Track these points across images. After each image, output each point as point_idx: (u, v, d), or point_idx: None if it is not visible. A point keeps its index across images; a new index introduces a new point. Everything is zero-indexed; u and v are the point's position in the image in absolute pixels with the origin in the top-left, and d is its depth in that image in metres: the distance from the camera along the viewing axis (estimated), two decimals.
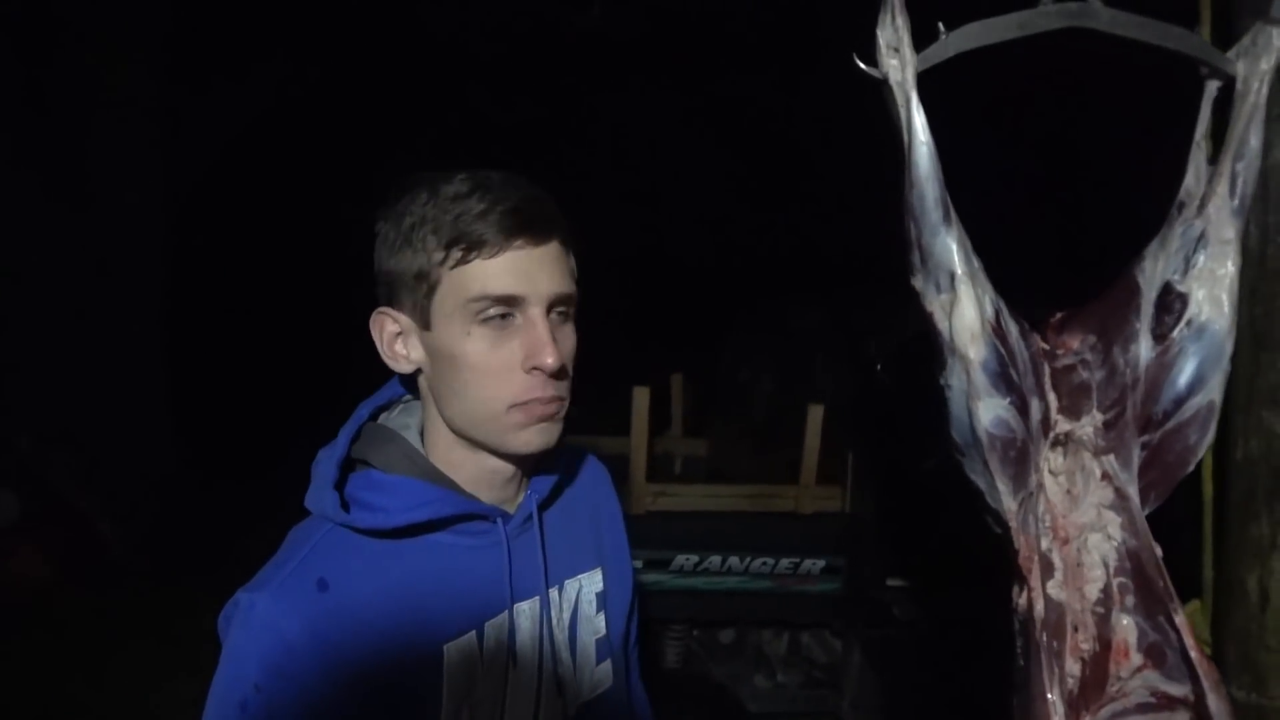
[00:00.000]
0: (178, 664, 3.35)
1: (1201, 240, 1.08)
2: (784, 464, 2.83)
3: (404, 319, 0.99)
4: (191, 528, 4.66)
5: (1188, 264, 1.09)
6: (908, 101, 1.02)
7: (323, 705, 0.92)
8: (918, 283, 1.05)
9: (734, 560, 2.75)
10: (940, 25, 1.03)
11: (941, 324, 1.04)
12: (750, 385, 3.44)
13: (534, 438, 0.98)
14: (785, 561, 2.76)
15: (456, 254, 0.93)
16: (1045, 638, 1.04)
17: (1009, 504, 1.06)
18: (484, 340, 0.95)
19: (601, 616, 1.13)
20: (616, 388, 2.74)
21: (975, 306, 1.02)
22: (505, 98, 5.55)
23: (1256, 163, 1.07)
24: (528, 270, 0.95)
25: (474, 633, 0.99)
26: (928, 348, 1.11)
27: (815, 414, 2.71)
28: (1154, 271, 1.11)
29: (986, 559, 1.17)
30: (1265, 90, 1.06)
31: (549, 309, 0.96)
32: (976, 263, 1.03)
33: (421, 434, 1.06)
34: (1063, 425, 1.09)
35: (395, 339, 1.00)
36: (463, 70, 5.38)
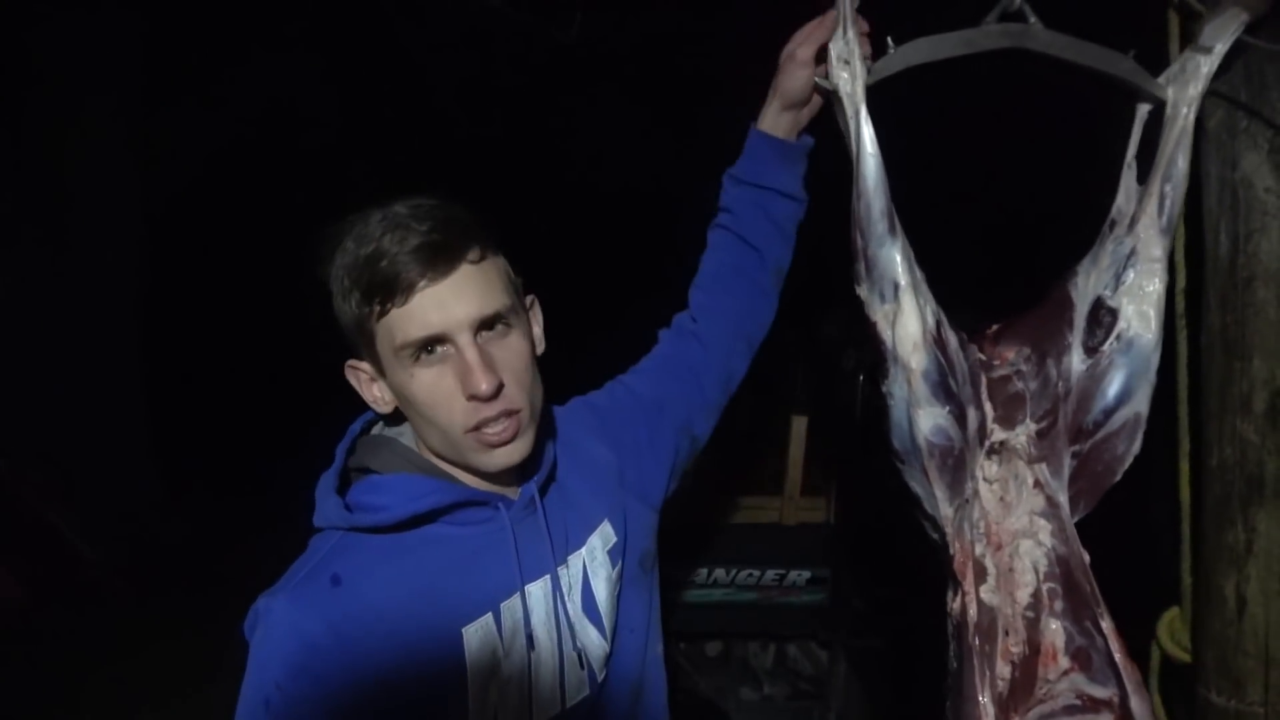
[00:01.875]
0: (157, 685, 3.31)
1: (1131, 257, 1.12)
2: (768, 475, 2.84)
3: (368, 367, 1.05)
4: (170, 547, 4.61)
5: (1118, 280, 1.12)
6: (857, 113, 1.05)
7: (348, 699, 0.95)
8: (862, 292, 1.08)
9: (719, 572, 2.75)
10: (889, 40, 1.05)
11: (884, 333, 1.06)
12: (733, 396, 3.44)
13: (500, 459, 1.02)
14: (771, 573, 2.76)
15: (375, 307, 0.98)
16: (977, 641, 1.07)
17: (945, 510, 1.09)
18: (425, 378, 0.99)
19: (618, 566, 1.17)
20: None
21: (918, 317, 1.05)
22: (483, 113, 5.56)
23: (1184, 184, 1.11)
24: (442, 304, 0.97)
25: (490, 615, 1.03)
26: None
27: (799, 425, 2.72)
28: (1086, 286, 1.14)
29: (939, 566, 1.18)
30: (1194, 115, 1.10)
31: (476, 332, 0.99)
32: (919, 273, 1.06)
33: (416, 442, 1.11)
34: (998, 434, 1.12)
35: (370, 385, 1.06)
36: (441, 86, 5.39)
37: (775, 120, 1.28)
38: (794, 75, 1.20)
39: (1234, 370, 1.20)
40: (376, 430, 1.13)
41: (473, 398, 0.98)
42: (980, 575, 1.09)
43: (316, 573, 0.99)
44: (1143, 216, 1.11)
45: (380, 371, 1.03)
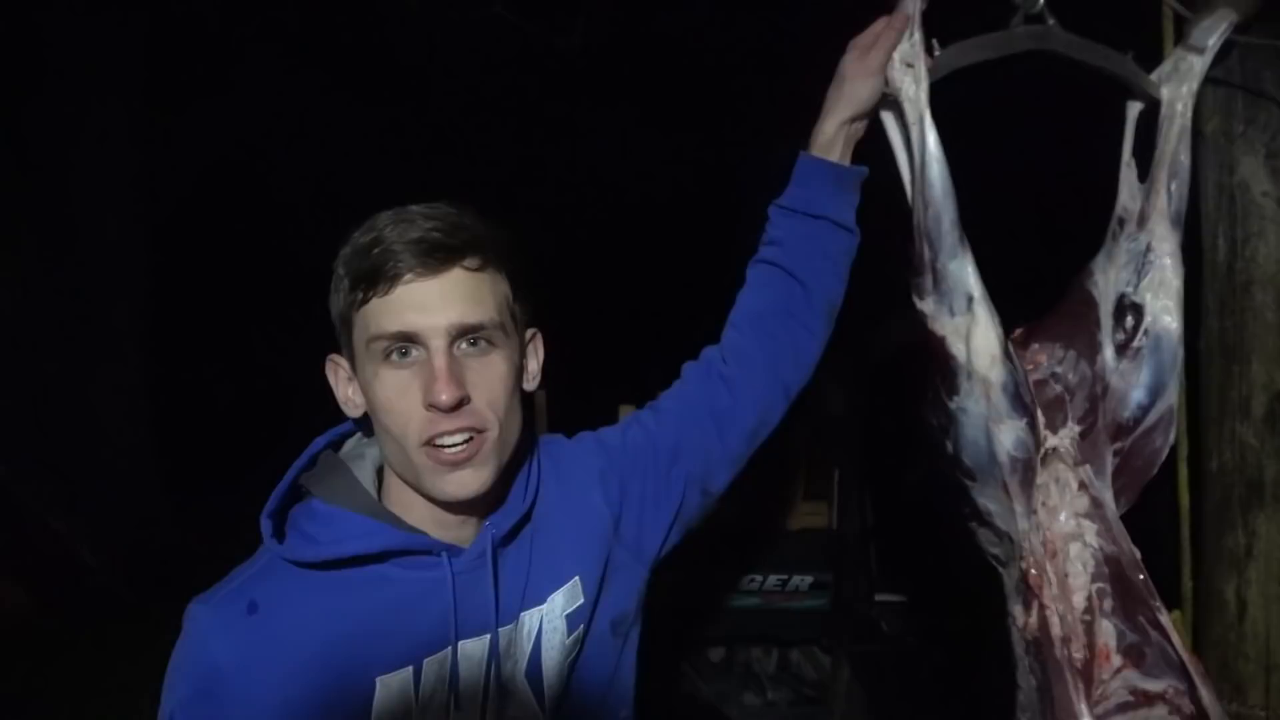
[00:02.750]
0: (159, 689, 3.31)
1: (1149, 253, 1.12)
2: (771, 480, 2.84)
3: (345, 364, 1.00)
4: (173, 553, 4.62)
5: (1139, 276, 1.12)
6: (920, 119, 1.03)
7: None
8: (928, 306, 1.04)
9: (722, 577, 2.75)
10: (934, 43, 1.04)
11: (956, 348, 1.03)
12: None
13: (453, 486, 0.94)
14: (773, 578, 2.76)
15: (358, 294, 0.92)
16: (1067, 653, 1.04)
17: (1022, 525, 1.06)
18: (389, 380, 0.93)
19: (577, 632, 1.08)
20: (603, 405, 2.74)
21: (994, 329, 1.02)
22: (485, 120, 5.57)
23: (1188, 179, 1.12)
24: (424, 303, 0.91)
25: (410, 669, 0.96)
26: (922, 367, 1.11)
27: (801, 429, 2.72)
28: (1106, 285, 1.13)
29: (974, 574, 1.17)
30: (1189, 112, 1.11)
31: (453, 340, 0.93)
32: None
33: (382, 468, 1.04)
34: (1049, 440, 1.10)
35: (347, 384, 1.01)
36: (443, 94, 5.41)
37: (831, 139, 1.15)
38: (865, 84, 1.09)
39: (1233, 374, 1.20)
40: (348, 448, 1.06)
41: (432, 407, 0.91)
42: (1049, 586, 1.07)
43: (240, 592, 0.95)
44: (1153, 212, 1.11)
45: (353, 369, 0.98)
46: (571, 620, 1.06)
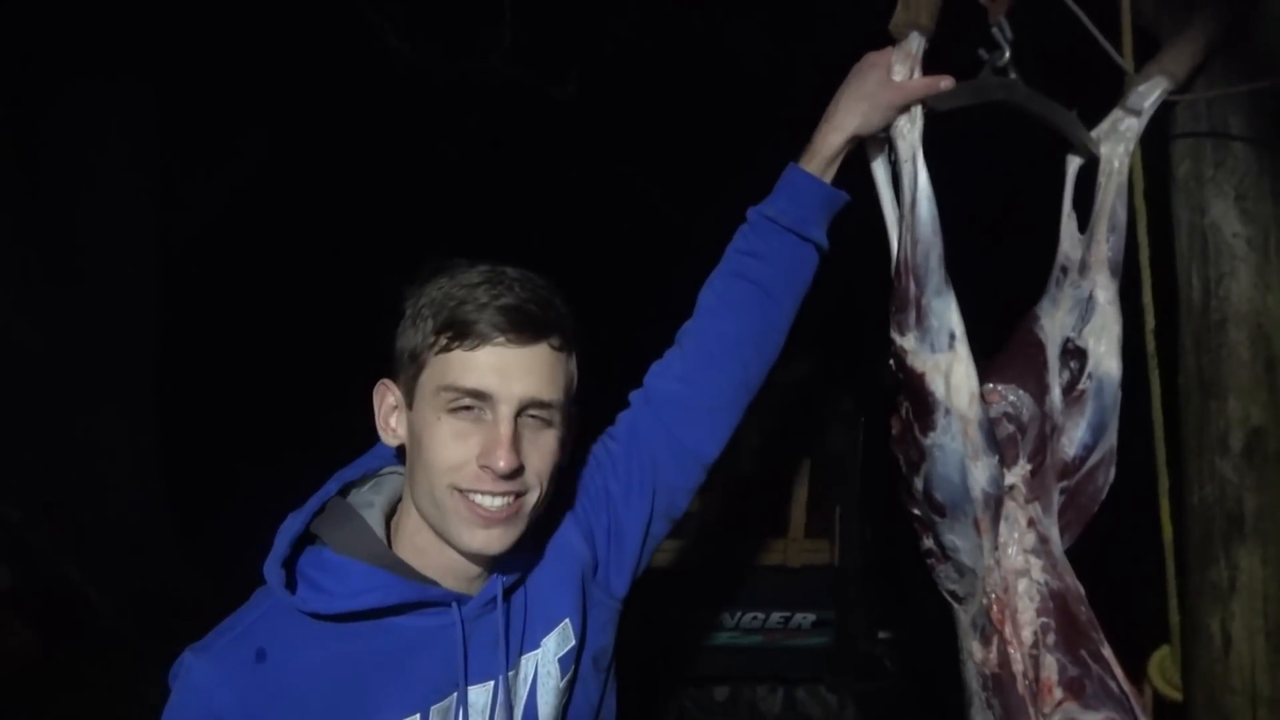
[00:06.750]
0: None
1: (1091, 300, 1.15)
2: (772, 517, 2.85)
3: (398, 394, 1.01)
4: (180, 595, 4.62)
5: (1083, 322, 1.15)
6: (913, 157, 1.05)
7: None
8: (909, 342, 1.05)
9: (724, 615, 2.75)
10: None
11: (935, 384, 1.04)
12: (737, 439, 3.45)
13: (479, 541, 0.96)
14: (776, 615, 2.76)
15: (443, 340, 0.95)
16: (1028, 687, 1.05)
17: (989, 561, 1.08)
18: (449, 429, 0.95)
19: (569, 674, 1.09)
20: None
21: (973, 367, 1.03)
22: (482, 167, 5.66)
23: (1124, 232, 1.16)
24: (504, 368, 0.94)
25: (417, 716, 0.98)
26: (894, 403, 1.13)
27: (802, 467, 2.75)
28: (1052, 329, 1.16)
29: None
30: (1125, 170, 1.15)
31: (520, 410, 0.96)
32: None
33: (391, 513, 1.05)
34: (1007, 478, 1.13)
35: (391, 412, 1.02)
36: (442, 140, 5.51)
37: (836, 154, 1.14)
38: (884, 114, 1.08)
39: (1210, 410, 1.23)
40: (352, 495, 1.07)
41: (486, 468, 0.94)
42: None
43: (245, 638, 0.96)
44: (1093, 261, 1.15)
45: (409, 403, 0.99)
46: (564, 663, 1.08)
